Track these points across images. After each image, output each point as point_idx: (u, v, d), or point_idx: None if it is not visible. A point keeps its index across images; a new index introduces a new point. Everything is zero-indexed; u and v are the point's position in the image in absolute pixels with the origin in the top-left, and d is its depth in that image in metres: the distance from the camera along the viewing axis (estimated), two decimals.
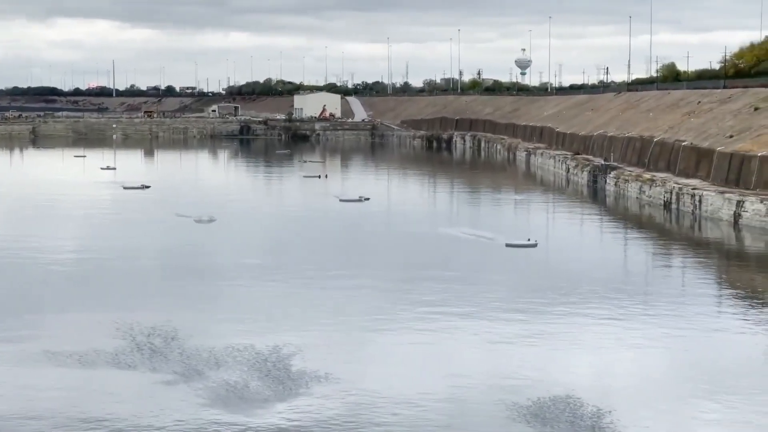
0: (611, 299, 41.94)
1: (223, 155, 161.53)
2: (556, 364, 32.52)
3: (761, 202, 62.96)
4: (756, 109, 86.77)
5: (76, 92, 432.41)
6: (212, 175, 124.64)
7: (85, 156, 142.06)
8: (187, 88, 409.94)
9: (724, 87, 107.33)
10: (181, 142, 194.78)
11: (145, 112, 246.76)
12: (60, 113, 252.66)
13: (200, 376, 30.34)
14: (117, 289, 44.79)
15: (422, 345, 34.83)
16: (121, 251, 55.82)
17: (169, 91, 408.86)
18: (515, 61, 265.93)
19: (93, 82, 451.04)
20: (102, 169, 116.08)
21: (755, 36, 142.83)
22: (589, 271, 49.81)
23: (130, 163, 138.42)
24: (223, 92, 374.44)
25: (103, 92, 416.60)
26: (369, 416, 26.91)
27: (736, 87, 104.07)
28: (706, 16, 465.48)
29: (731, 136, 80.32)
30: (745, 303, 43.24)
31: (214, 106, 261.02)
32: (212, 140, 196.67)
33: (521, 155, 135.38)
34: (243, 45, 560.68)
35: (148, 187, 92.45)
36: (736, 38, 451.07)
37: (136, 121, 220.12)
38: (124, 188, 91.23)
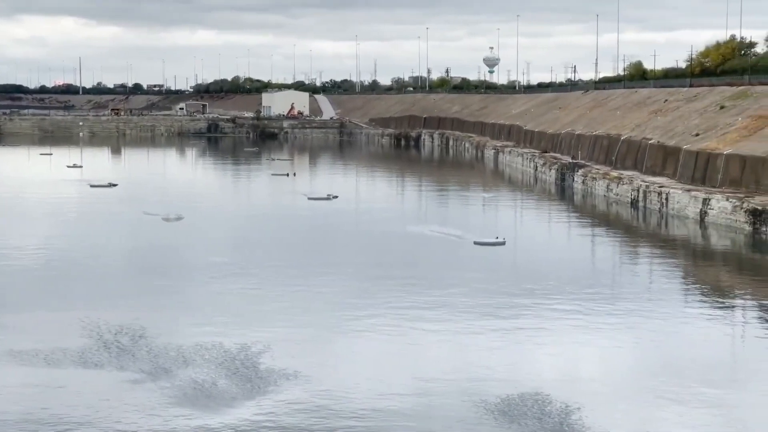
0: (579, 297, 42.10)
1: (191, 153, 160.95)
2: (523, 362, 32.61)
3: (727, 200, 63.41)
4: (722, 107, 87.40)
5: (42, 90, 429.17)
6: (180, 173, 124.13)
7: (51, 154, 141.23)
8: (155, 86, 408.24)
9: (690, 86, 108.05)
10: (149, 140, 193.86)
11: (112, 110, 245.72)
12: (26, 111, 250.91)
13: (168, 374, 30.20)
14: (83, 288, 44.51)
15: (390, 343, 34.83)
16: (88, 249, 55.51)
17: (137, 89, 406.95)
18: (483, 60, 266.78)
19: (59, 80, 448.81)
20: (68, 167, 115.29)
21: (721, 35, 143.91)
22: (556, 268, 49.98)
23: (97, 161, 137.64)
24: (191, 90, 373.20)
25: (69, 90, 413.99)
26: (336, 414, 26.86)
27: (702, 85, 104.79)
28: (671, 15, 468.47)
29: (697, 135, 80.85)
30: (711, 300, 43.54)
31: (182, 104, 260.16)
32: (180, 138, 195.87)
33: (489, 153, 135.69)
34: (211, 42, 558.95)
35: (115, 185, 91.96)
36: (702, 37, 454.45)
37: (103, 119, 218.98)
38: (91, 186, 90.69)
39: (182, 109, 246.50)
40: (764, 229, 58.29)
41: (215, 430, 25.67)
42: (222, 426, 25.88)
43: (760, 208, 59.58)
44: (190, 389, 28.76)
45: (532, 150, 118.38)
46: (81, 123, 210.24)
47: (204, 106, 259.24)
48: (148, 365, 31.15)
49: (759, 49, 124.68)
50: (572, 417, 26.39)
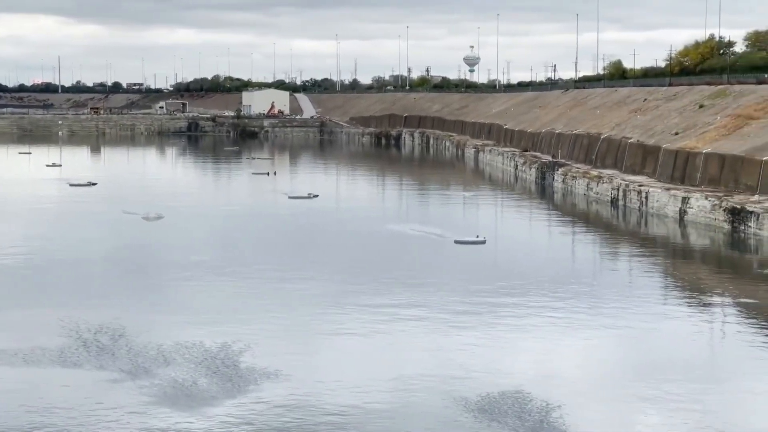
0: (559, 295, 42.20)
1: (171, 152, 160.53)
2: (504, 360, 32.67)
3: (706, 198, 63.68)
4: (701, 106, 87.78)
5: (21, 88, 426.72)
6: (160, 172, 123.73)
7: (30, 153, 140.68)
8: (135, 85, 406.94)
9: (670, 85, 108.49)
10: (129, 138, 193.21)
11: (91, 108, 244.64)
12: (4, 110, 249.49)
13: (148, 373, 30.11)
14: (63, 287, 44.34)
15: (370, 341, 34.82)
16: (67, 248, 55.30)
17: (116, 88, 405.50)
18: (464, 59, 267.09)
19: (38, 79, 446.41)
20: (48, 166, 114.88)
21: (700, 34, 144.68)
22: (537, 267, 50.09)
23: (77, 160, 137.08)
24: (171, 89, 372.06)
25: (48, 88, 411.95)
26: (317, 413, 26.85)
27: (682, 85, 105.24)
28: (650, 15, 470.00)
29: (677, 134, 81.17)
30: (690, 298, 43.70)
31: (162, 103, 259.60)
32: (160, 137, 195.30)
33: (470, 152, 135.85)
34: (190, 41, 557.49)
35: (94, 184, 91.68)
36: (681, 36, 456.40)
37: (83, 117, 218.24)
38: (71, 185, 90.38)
39: (162, 108, 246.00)
40: (743, 227, 58.56)
41: (195, 429, 25.62)
42: (202, 425, 25.83)
43: (738, 206, 59.85)
44: (170, 388, 28.69)
45: (513, 149, 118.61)
46: (60, 122, 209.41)
47: (184, 105, 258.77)
48: (127, 364, 31.05)
49: (738, 48, 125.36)
50: (552, 415, 26.46)
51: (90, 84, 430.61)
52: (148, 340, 33.69)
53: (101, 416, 26.48)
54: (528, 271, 48.21)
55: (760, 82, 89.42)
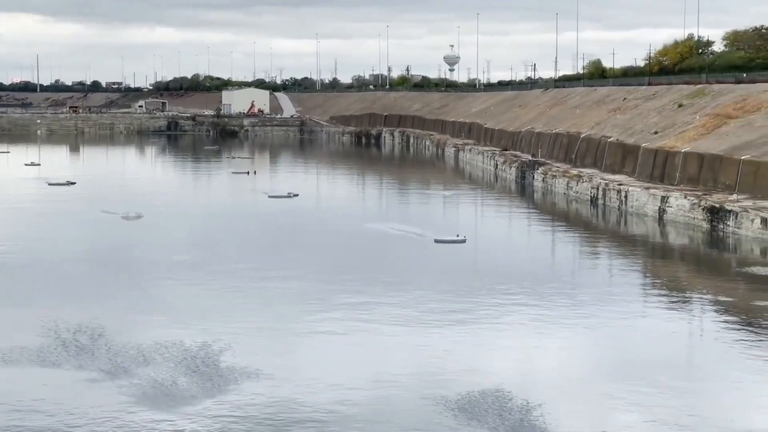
0: (539, 294, 42.28)
1: (151, 151, 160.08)
2: (484, 359, 32.69)
3: (685, 197, 63.92)
4: (680, 105, 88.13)
5: None
6: (139, 172, 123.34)
7: (8, 152, 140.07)
8: (114, 84, 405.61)
9: (649, 84, 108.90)
10: (108, 138, 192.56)
11: (70, 107, 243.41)
12: None
13: (127, 373, 30.00)
14: (42, 286, 44.14)
15: (351, 340, 34.80)
16: (46, 248, 55.05)
17: (95, 87, 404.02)
18: (444, 58, 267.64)
19: (16, 77, 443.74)
20: (26, 165, 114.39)
21: (679, 33, 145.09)
22: (517, 266, 50.19)
23: (56, 159, 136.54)
24: (150, 88, 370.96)
25: (26, 87, 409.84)
26: (296, 413, 26.81)
27: (661, 84, 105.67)
28: (630, 14, 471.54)
29: (656, 133, 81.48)
30: (669, 297, 43.84)
31: (141, 102, 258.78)
32: (139, 136, 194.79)
33: (450, 151, 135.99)
34: (170, 40, 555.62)
35: (73, 183, 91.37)
36: (660, 36, 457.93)
37: (61, 116, 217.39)
38: (49, 184, 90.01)
39: (141, 107, 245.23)
40: (721, 226, 58.82)
41: (175, 429, 25.53)
42: (182, 425, 25.75)
43: (717, 205, 60.11)
44: (149, 388, 28.59)
45: (493, 148, 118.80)
46: (39, 121, 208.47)
47: (163, 104, 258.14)
48: (107, 364, 30.93)
49: (716, 47, 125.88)
50: (533, 414, 26.49)
51: (69, 83, 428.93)
52: (128, 340, 33.58)
53: (80, 416, 26.36)
54: (508, 270, 48.29)
55: (738, 82, 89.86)
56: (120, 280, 45.65)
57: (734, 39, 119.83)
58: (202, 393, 28.31)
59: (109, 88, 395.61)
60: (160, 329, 35.35)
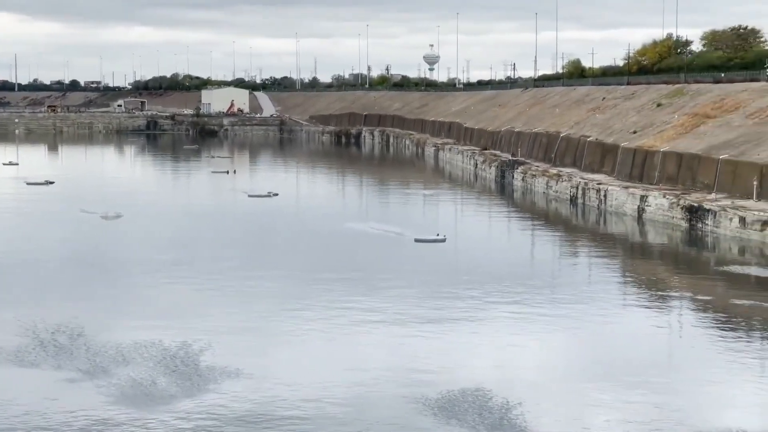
0: (519, 293, 42.35)
1: (130, 151, 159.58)
2: (464, 358, 32.70)
3: (664, 196, 64.16)
4: (658, 105, 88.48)
5: None
6: (118, 171, 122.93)
7: None
8: (92, 83, 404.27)
9: (628, 83, 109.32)
10: (87, 137, 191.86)
11: (48, 106, 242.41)
12: None
13: (106, 373, 29.88)
14: (20, 286, 43.90)
15: (330, 340, 34.77)
16: (25, 248, 54.78)
17: (74, 86, 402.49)
18: (423, 57, 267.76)
19: None
20: (4, 164, 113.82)
21: (657, 33, 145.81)
22: (497, 265, 50.25)
23: (34, 159, 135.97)
24: (129, 87, 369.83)
25: (4, 87, 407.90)
26: (276, 411, 26.77)
27: (640, 83, 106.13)
28: (608, 14, 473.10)
29: (635, 132, 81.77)
30: (648, 296, 44.01)
31: (120, 101, 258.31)
32: (118, 135, 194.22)
33: (430, 150, 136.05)
34: (149, 39, 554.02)
35: (52, 182, 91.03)
36: (639, 35, 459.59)
37: (40, 116, 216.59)
38: (28, 184, 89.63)
39: (120, 106, 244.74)
40: (700, 225, 59.06)
41: (154, 429, 25.44)
42: (161, 425, 25.66)
43: (696, 204, 60.36)
44: (128, 388, 28.49)
45: (472, 147, 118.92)
46: (17, 120, 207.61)
47: (143, 103, 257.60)
48: (86, 364, 30.80)
49: (695, 47, 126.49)
50: (513, 412, 26.52)
51: (47, 82, 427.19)
52: (107, 340, 33.45)
53: (59, 416, 26.23)
54: (488, 270, 48.34)
55: (716, 81, 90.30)
56: (99, 280, 45.47)
57: (712, 39, 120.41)
58: (181, 392, 28.22)
59: (88, 88, 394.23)
60: (139, 329, 35.22)
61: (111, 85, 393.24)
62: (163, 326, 35.71)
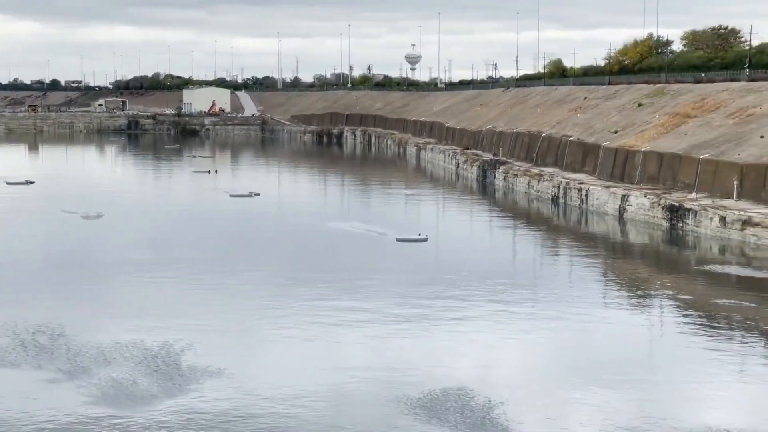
0: (500, 292, 42.40)
1: (111, 150, 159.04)
2: (446, 357, 32.71)
3: (645, 196, 64.35)
4: (639, 105, 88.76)
5: None
6: (99, 171, 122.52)
7: None
8: (73, 82, 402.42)
9: (609, 83, 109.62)
10: (67, 136, 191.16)
11: (29, 106, 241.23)
12: None
13: (87, 373, 29.78)
14: (0, 286, 43.67)
15: (312, 339, 34.73)
16: (5, 248, 54.49)
17: (54, 85, 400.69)
18: (405, 57, 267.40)
19: None
20: None
21: (638, 33, 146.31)
22: (478, 264, 50.28)
23: (14, 158, 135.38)
24: (110, 86, 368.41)
25: None
26: (258, 411, 26.72)
27: (621, 83, 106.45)
28: (589, 14, 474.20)
29: (616, 132, 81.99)
30: (629, 295, 44.14)
31: (101, 101, 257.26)
32: (99, 135, 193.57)
33: (411, 150, 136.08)
34: (130, 38, 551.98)
35: (32, 182, 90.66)
36: (620, 35, 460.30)
37: (20, 115, 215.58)
38: (8, 183, 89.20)
39: (101, 105, 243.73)
40: (681, 224, 59.27)
41: (135, 429, 25.36)
42: (142, 425, 25.58)
43: (676, 204, 60.57)
44: (110, 388, 28.39)
45: (454, 147, 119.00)
46: None
47: (124, 102, 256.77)
48: (66, 364, 30.69)
49: (675, 47, 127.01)
50: (495, 412, 26.55)
51: (28, 81, 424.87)
52: (88, 339, 33.33)
53: (39, 416, 26.12)
54: (470, 269, 48.37)
55: (697, 81, 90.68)
56: (80, 280, 45.30)
57: (693, 39, 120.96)
58: (162, 392, 28.14)
59: (69, 87, 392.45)
60: (120, 329, 35.10)
61: (92, 84, 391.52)
62: (144, 326, 35.60)
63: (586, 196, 71.17)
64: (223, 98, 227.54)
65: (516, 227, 67.95)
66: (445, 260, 53.02)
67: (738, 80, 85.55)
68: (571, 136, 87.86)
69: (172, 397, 27.81)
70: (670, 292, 44.34)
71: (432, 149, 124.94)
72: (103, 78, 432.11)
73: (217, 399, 27.59)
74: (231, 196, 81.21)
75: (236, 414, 26.48)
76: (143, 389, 28.43)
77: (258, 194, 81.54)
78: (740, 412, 27.58)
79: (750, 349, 34.15)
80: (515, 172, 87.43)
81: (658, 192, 65.14)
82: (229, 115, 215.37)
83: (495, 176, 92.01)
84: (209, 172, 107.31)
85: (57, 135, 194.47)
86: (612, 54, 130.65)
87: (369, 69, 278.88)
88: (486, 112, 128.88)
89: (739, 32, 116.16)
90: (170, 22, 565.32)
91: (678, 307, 41.21)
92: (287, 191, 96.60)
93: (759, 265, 49.84)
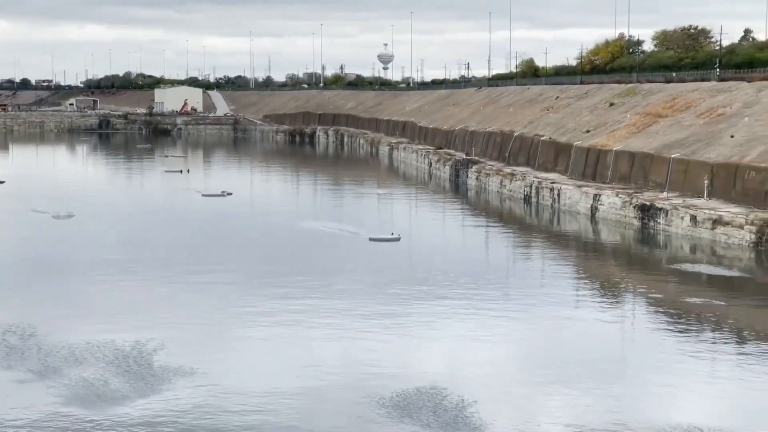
0: (473, 291, 42.46)
1: (82, 150, 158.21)
2: (418, 357, 32.74)
3: (617, 195, 64.62)
4: (611, 104, 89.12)
5: None
6: (70, 170, 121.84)
7: None
8: (44, 81, 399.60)
9: (581, 83, 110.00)
10: (38, 136, 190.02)
11: None
12: None
13: (58, 373, 29.60)
14: None
15: (285, 338, 34.66)
16: None
17: (25, 85, 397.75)
18: (378, 56, 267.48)
19: None
20: None
21: (610, 33, 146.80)
22: (451, 264, 50.31)
23: None
24: (82, 85, 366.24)
25: None
26: (231, 409, 26.64)
27: (593, 83, 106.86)
28: (561, 14, 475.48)
29: (588, 131, 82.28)
30: (600, 293, 44.33)
31: (72, 100, 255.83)
32: (70, 135, 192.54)
33: (384, 150, 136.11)
34: (101, 37, 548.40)
35: (2, 182, 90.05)
36: (592, 35, 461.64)
37: None
38: None
39: (72, 104, 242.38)
40: (652, 223, 59.56)
41: (106, 429, 25.23)
42: (114, 425, 25.45)
43: (648, 203, 60.86)
44: (80, 389, 28.23)
45: (427, 146, 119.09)
46: None
47: (95, 102, 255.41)
48: (37, 365, 30.50)
49: (646, 47, 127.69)
50: (468, 410, 26.57)
51: None
52: (59, 340, 33.13)
53: (8, 416, 25.94)
54: (442, 268, 48.40)
55: (668, 81, 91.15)
56: (51, 280, 45.02)
57: (663, 39, 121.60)
58: (134, 392, 28.02)
59: (39, 86, 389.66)
60: (92, 328, 34.90)
61: (63, 83, 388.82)
62: (115, 326, 35.41)
63: (559, 195, 71.40)
64: (195, 98, 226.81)
65: (488, 226, 68.08)
66: (417, 260, 53.03)
67: (708, 80, 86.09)
68: (543, 136, 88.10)
69: (143, 396, 27.68)
70: (641, 291, 44.55)
71: (405, 149, 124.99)
72: (74, 77, 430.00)
73: (188, 399, 27.48)
74: (203, 195, 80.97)
75: (207, 414, 26.39)
76: (114, 389, 28.29)
77: (230, 194, 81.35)
78: (710, 409, 27.73)
79: (720, 347, 34.35)
80: (488, 172, 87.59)
81: (630, 191, 65.43)
82: (201, 114, 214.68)
83: (467, 176, 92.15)
84: (181, 171, 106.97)
85: (27, 134, 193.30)
86: (584, 54, 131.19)
87: (342, 68, 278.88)
88: (458, 111, 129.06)
89: (709, 32, 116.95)
90: (142, 21, 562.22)
91: (649, 305, 41.41)
92: (260, 191, 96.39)
93: (729, 264, 50.16)
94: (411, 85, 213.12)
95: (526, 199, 76.73)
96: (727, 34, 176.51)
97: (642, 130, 75.70)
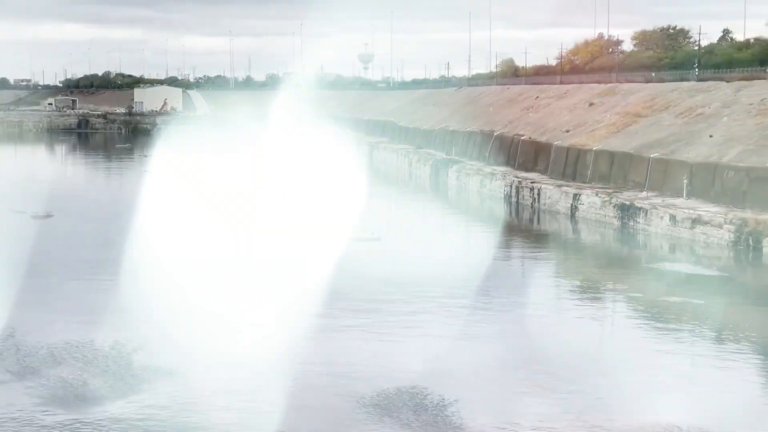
0: (453, 290, 42.44)
1: (61, 150, 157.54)
2: (398, 356, 32.70)
3: (596, 195, 64.80)
4: (591, 104, 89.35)
5: None
6: (49, 170, 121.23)
7: None
8: (22, 81, 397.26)
9: (561, 83, 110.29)
10: (16, 135, 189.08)
11: None
12: None
13: (36, 374, 29.43)
14: None
15: (262, 339, 34.54)
16: None
17: (3, 84, 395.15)
18: (358, 56, 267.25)
19: None
20: None
21: (589, 33, 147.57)
22: (431, 264, 50.28)
23: None
24: (60, 85, 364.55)
25: None
26: (209, 410, 26.55)
27: (572, 83, 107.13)
28: (541, 13, 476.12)
29: (568, 131, 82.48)
30: (580, 293, 44.43)
31: (51, 99, 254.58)
32: (49, 134, 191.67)
33: (364, 149, 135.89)
34: (79, 37, 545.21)
35: None
36: (571, 35, 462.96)
37: None
38: None
39: (51, 104, 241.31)
40: (632, 223, 59.73)
41: (85, 430, 25.11)
42: (92, 426, 25.34)
43: (627, 203, 61.04)
44: (59, 389, 28.08)
45: (407, 146, 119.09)
46: None
47: (74, 101, 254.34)
48: (14, 365, 30.32)
49: (626, 47, 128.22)
50: (449, 410, 26.57)
51: None
52: (37, 340, 32.94)
53: None
54: (422, 268, 48.35)
55: (647, 81, 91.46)
56: (29, 280, 44.73)
57: (643, 39, 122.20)
58: (113, 393, 27.88)
59: (18, 85, 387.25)
60: (71, 329, 34.75)
61: (41, 83, 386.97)
62: (94, 326, 35.22)
63: (538, 194, 71.54)
64: (174, 97, 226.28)
65: (468, 226, 68.14)
66: (397, 259, 52.94)
67: (687, 80, 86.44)
68: (523, 135, 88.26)
69: (122, 397, 27.57)
70: (620, 290, 44.70)
71: (384, 148, 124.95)
72: (52, 76, 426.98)
73: (167, 399, 27.38)
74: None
75: (187, 413, 26.30)
76: (93, 389, 28.15)
77: None
78: (689, 409, 27.81)
79: (698, 347, 34.48)
80: (468, 171, 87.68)
81: (610, 191, 65.62)
82: (181, 114, 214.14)
83: (447, 175, 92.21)
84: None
85: (5, 134, 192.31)
86: (563, 54, 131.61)
87: (321, 68, 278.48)
88: (438, 111, 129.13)
89: (688, 32, 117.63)
90: (120, 20, 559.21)
91: (628, 304, 41.55)
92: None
93: (708, 263, 50.36)
94: (391, 84, 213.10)
95: (507, 198, 76.85)
96: (706, 34, 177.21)
97: (621, 129, 75.93)
